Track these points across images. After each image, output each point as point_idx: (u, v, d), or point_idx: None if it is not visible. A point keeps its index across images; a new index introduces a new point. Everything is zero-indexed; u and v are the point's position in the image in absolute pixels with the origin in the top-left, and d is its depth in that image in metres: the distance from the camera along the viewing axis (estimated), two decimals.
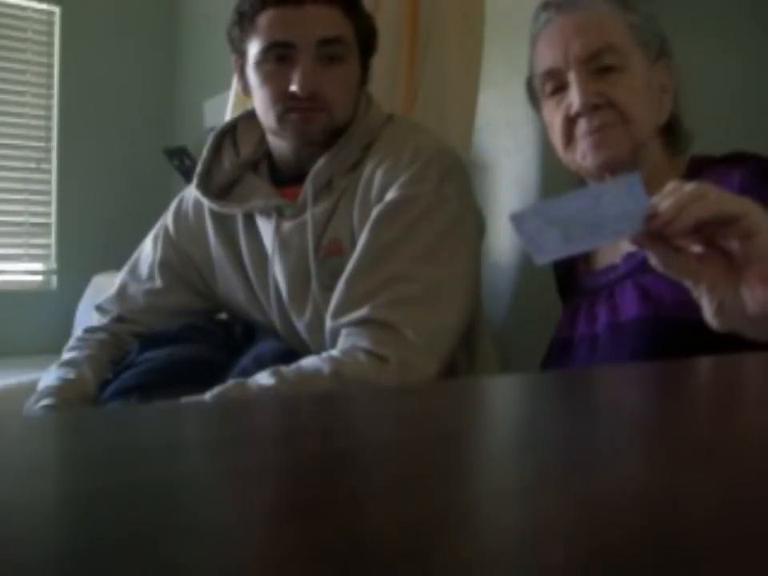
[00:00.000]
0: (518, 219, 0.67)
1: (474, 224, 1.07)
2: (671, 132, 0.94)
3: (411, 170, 1.02)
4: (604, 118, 0.87)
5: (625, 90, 0.87)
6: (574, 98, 0.87)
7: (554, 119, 0.92)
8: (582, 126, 0.88)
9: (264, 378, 0.92)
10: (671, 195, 0.63)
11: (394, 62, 1.36)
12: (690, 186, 0.63)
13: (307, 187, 1.07)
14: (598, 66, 0.87)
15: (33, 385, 1.13)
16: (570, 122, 0.89)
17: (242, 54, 1.08)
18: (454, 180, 1.04)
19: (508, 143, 1.01)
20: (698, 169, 0.89)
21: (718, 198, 0.61)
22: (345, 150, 1.07)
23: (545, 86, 0.93)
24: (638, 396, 0.43)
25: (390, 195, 1.02)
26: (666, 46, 0.93)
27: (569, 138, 0.90)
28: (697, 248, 0.63)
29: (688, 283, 0.66)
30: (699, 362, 0.53)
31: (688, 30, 1.23)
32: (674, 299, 0.81)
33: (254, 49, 1.05)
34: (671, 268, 0.65)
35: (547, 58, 0.91)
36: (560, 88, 0.90)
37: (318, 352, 1.00)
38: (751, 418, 0.33)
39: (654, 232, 0.62)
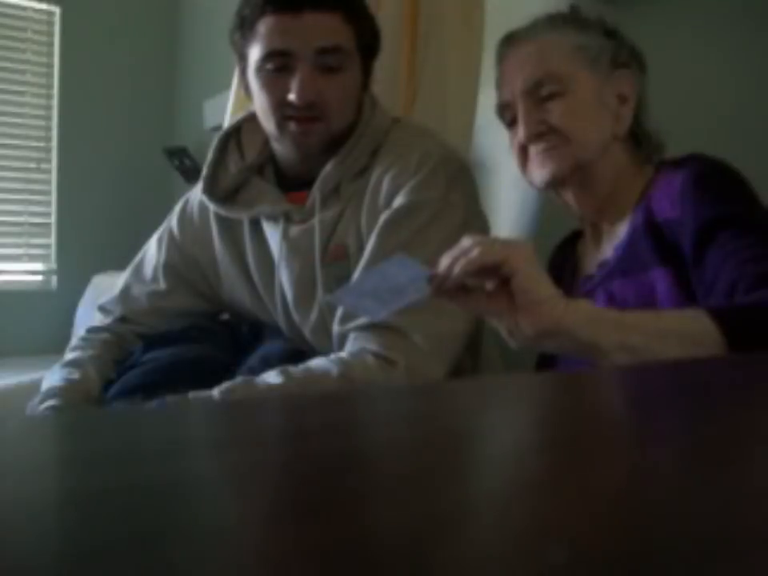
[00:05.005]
0: (336, 299, 0.81)
1: (481, 230, 1.08)
2: (636, 140, 0.97)
3: (419, 176, 1.02)
4: (548, 143, 0.94)
5: (565, 115, 0.93)
6: (520, 128, 0.95)
7: (513, 147, 1.00)
8: (531, 152, 0.96)
9: (272, 377, 0.92)
10: (448, 255, 0.74)
11: (394, 62, 1.36)
12: (466, 242, 0.73)
13: (315, 193, 1.07)
14: (540, 95, 0.94)
15: (33, 385, 1.13)
16: (523, 150, 0.97)
17: (243, 57, 1.08)
18: (460, 186, 1.05)
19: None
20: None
21: (481, 251, 0.72)
22: (352, 155, 1.07)
23: (503, 119, 1.01)
24: (636, 397, 0.43)
25: (398, 201, 1.02)
26: (621, 55, 0.95)
27: (524, 163, 0.98)
28: (489, 286, 0.74)
29: (484, 315, 0.80)
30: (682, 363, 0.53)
31: (687, 32, 1.23)
32: (637, 303, 0.87)
33: (254, 54, 1.04)
34: (467, 306, 0.77)
35: (501, 93, 1.00)
36: (514, 119, 0.98)
37: (323, 354, 1.00)
38: (750, 418, 0.33)
39: (437, 290, 0.74)
